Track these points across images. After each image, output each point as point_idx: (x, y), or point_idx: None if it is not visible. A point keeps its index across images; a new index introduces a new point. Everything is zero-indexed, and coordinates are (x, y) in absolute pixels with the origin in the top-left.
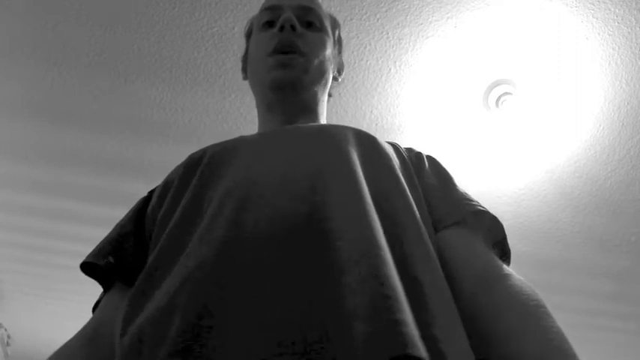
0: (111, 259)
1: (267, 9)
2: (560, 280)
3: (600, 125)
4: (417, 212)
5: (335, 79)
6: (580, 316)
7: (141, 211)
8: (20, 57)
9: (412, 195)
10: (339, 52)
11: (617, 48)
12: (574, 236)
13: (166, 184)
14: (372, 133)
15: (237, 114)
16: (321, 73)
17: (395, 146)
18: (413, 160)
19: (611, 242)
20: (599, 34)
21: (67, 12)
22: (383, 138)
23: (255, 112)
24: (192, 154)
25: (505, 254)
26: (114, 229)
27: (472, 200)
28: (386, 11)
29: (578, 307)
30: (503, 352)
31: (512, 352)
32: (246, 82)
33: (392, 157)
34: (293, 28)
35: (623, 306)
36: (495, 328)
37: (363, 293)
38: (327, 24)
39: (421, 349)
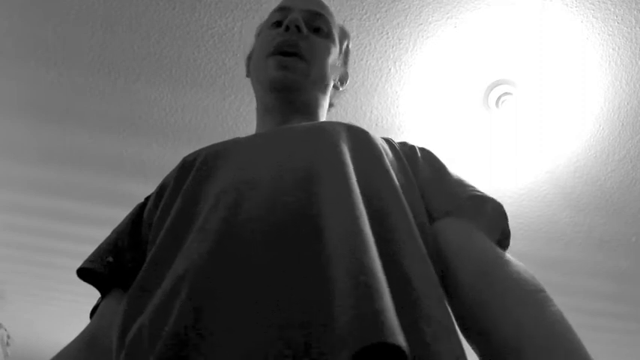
0: (110, 258)
1: (277, 10)
2: (560, 280)
3: (600, 125)
4: (407, 207)
5: (336, 87)
6: (580, 316)
7: (137, 216)
8: (20, 57)
9: (407, 189)
10: (345, 62)
11: (617, 48)
12: (574, 236)
13: (162, 188)
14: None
15: (237, 114)
16: (321, 79)
17: (388, 141)
18: (407, 153)
19: (611, 242)
20: (599, 34)
21: (67, 12)
22: None
23: (255, 112)
24: (186, 157)
25: (505, 236)
26: (110, 235)
27: (467, 185)
28: (386, 11)
29: (578, 307)
30: (504, 338)
31: (513, 338)
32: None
33: (383, 151)
34: (298, 29)
35: (623, 306)
36: (495, 315)
37: (347, 285)
38: (336, 32)
39: (399, 338)
